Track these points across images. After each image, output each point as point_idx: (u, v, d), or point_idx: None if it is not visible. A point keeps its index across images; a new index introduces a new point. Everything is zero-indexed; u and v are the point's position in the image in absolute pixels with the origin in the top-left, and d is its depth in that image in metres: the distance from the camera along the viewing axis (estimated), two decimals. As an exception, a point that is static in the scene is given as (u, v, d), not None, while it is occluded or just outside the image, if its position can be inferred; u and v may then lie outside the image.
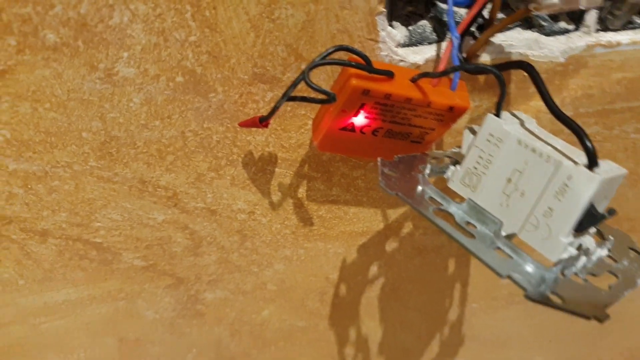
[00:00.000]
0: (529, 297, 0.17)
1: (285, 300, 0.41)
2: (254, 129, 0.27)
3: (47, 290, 0.36)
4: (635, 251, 0.23)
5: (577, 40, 0.27)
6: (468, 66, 0.22)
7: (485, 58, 0.26)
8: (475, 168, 0.22)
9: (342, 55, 0.23)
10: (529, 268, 0.19)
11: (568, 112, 0.30)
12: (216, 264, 0.36)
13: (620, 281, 0.20)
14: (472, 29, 0.26)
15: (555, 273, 0.19)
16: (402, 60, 0.26)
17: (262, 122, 0.23)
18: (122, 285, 0.36)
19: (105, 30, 0.22)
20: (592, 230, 0.21)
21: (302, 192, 0.32)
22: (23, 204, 0.29)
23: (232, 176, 0.30)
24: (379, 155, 0.26)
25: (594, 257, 0.21)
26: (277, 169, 0.30)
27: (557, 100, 0.29)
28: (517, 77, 0.28)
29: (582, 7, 0.19)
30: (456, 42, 0.23)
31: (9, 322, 0.38)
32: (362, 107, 0.23)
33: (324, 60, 0.21)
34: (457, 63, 0.23)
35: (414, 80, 0.23)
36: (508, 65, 0.23)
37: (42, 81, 0.23)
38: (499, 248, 0.20)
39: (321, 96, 0.21)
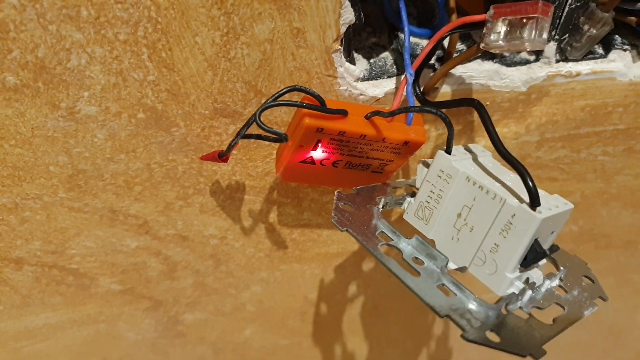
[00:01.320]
0: (465, 338, 0.17)
1: (265, 320, 0.41)
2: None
3: (26, 315, 0.36)
4: (589, 279, 0.23)
5: (538, 71, 0.27)
6: (414, 108, 0.22)
7: (445, 89, 0.27)
8: (428, 202, 0.23)
9: (298, 95, 0.23)
10: (472, 306, 0.19)
11: (534, 137, 0.30)
12: (193, 287, 0.36)
13: (566, 313, 0.21)
14: (432, 61, 0.26)
15: (498, 310, 0.19)
16: (361, 94, 0.26)
17: (221, 157, 0.24)
18: (102, 309, 0.37)
19: (64, 72, 0.22)
20: (542, 262, 0.21)
21: (273, 217, 0.32)
22: (-4, 234, 0.30)
23: (201, 204, 0.30)
24: (341, 184, 0.27)
25: (542, 290, 0.21)
26: (245, 196, 0.30)
27: (522, 127, 0.30)
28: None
29: (527, 50, 0.19)
30: (410, 78, 0.23)
31: (-9, 346, 0.39)
32: (318, 142, 0.23)
33: (276, 102, 0.21)
34: (411, 100, 0.23)
35: (367, 117, 0.23)
36: (457, 102, 0.24)
37: (5, 120, 0.24)
38: (443, 285, 0.20)
39: (274, 136, 0.21)
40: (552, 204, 0.20)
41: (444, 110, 0.22)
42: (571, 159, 0.32)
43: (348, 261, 0.38)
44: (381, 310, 0.44)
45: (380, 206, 0.23)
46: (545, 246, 0.20)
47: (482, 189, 0.21)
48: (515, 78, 0.27)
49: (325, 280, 0.39)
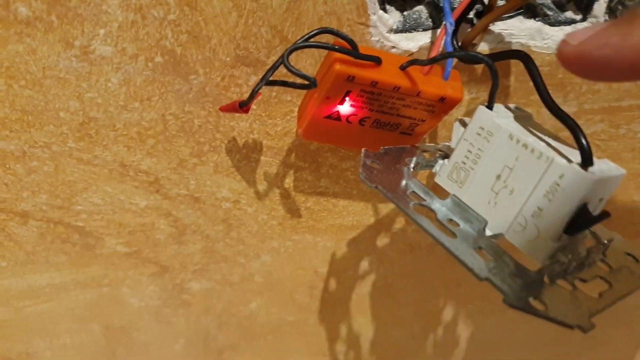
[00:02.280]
0: (508, 303, 0.16)
1: (273, 294, 0.40)
2: (237, 115, 0.26)
3: (30, 273, 0.35)
4: (634, 257, 0.22)
5: (582, 33, 0.26)
6: (458, 53, 0.21)
7: (483, 47, 0.25)
8: (464, 163, 0.21)
9: (328, 39, 0.22)
10: (512, 271, 0.18)
11: (572, 108, 0.29)
12: (201, 253, 0.35)
13: (612, 289, 0.19)
14: (471, 15, 0.25)
15: (540, 277, 0.18)
16: (394, 47, 0.24)
17: (242, 107, 0.22)
18: (106, 271, 0.36)
19: (80, 4, 0.21)
20: (586, 233, 0.20)
21: (288, 182, 0.30)
22: (2, 184, 0.28)
23: (216, 163, 0.29)
24: (366, 145, 0.25)
25: (585, 262, 0.20)
26: (262, 157, 0.29)
27: (560, 95, 0.28)
28: (518, 69, 0.27)
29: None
30: (450, 28, 0.22)
31: (-8, 304, 0.38)
32: (347, 94, 0.22)
33: (306, 43, 0.20)
34: (450, 50, 0.22)
35: (402, 68, 0.22)
36: (503, 55, 0.22)
37: (16, 57, 0.23)
38: (481, 248, 0.19)
39: (302, 81, 0.20)
40: (603, 167, 0.19)
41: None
42: (608, 134, 0.30)
43: (363, 235, 0.37)
44: (392, 290, 0.43)
45: (411, 166, 0.22)
46: (594, 212, 0.19)
47: (526, 148, 0.19)
48: (558, 39, 0.25)
49: (337, 254, 0.37)
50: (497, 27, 0.25)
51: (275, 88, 0.25)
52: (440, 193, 0.22)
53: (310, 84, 0.20)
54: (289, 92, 0.25)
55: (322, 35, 0.21)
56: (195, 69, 0.24)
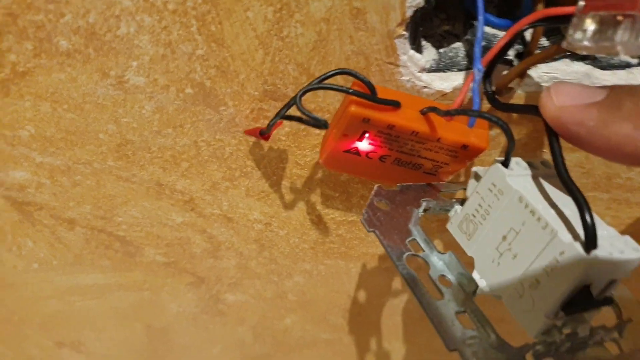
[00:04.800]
0: (448, 346, 0.15)
1: (306, 312, 0.40)
2: (266, 144, 0.26)
3: (78, 273, 0.37)
4: None
5: (640, 76, 0.23)
6: (472, 112, 0.20)
7: (520, 92, 0.23)
8: (474, 216, 0.20)
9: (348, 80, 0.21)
10: (492, 343, 0.16)
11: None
12: (235, 268, 0.36)
13: None
14: (510, 56, 0.23)
15: (521, 355, 0.16)
16: (426, 87, 0.23)
17: (262, 134, 0.22)
18: (146, 277, 0.37)
19: (114, 39, 0.22)
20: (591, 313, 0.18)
21: (319, 209, 0.30)
22: (51, 193, 0.30)
23: (247, 187, 0.29)
24: (389, 179, 0.24)
25: (588, 342, 0.18)
26: (292, 185, 0.29)
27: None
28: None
29: (620, 55, 0.16)
30: (478, 75, 0.20)
31: (47, 297, 0.41)
32: (365, 133, 0.21)
33: (321, 85, 0.20)
34: (476, 98, 0.20)
35: (423, 113, 0.21)
36: (519, 109, 0.20)
37: (59, 84, 0.24)
38: (465, 313, 0.17)
39: (312, 121, 0.19)
40: (617, 247, 0.17)
41: (512, 114, 0.19)
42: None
43: (398, 264, 0.36)
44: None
45: (421, 210, 0.21)
46: (599, 294, 0.17)
47: (533, 215, 0.18)
48: (609, 83, 0.23)
49: (371, 281, 0.37)
50: (540, 69, 0.23)
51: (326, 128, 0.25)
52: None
53: (319, 125, 0.19)
54: (318, 125, 0.25)
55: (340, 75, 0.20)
56: (224, 101, 0.24)
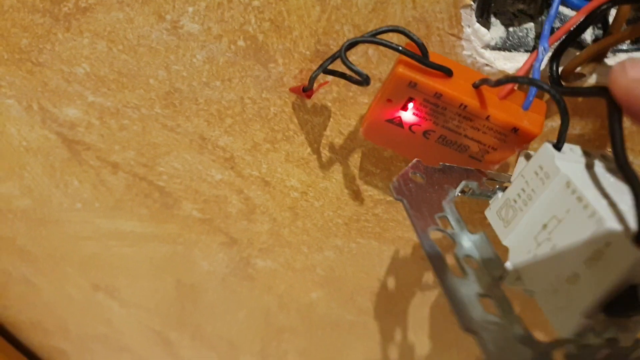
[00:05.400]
0: (463, 328, 0.14)
1: (334, 289, 0.40)
2: (311, 108, 0.26)
3: (117, 218, 0.38)
4: None
5: None
6: (521, 79, 0.18)
7: (592, 80, 0.22)
8: (515, 201, 0.18)
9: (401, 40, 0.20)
10: (516, 335, 0.15)
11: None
12: (268, 234, 0.36)
13: None
14: (589, 40, 0.21)
15: (547, 352, 0.15)
16: (487, 65, 0.22)
17: (305, 91, 0.22)
18: (181, 231, 0.38)
19: (173, -19, 0.22)
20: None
21: (358, 184, 0.29)
22: (99, 134, 0.31)
23: (287, 152, 0.28)
24: (430, 160, 0.23)
25: (630, 355, 0.16)
26: (333, 155, 0.28)
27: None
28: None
29: None
30: (542, 54, 0.19)
31: (87, 237, 0.42)
32: (410, 100, 0.20)
33: (371, 39, 0.19)
34: (537, 77, 0.19)
35: (475, 86, 0.19)
36: (585, 91, 0.19)
37: (117, 23, 0.24)
38: (489, 297, 0.16)
39: (355, 76, 0.18)
40: None
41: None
42: None
43: (432, 254, 0.34)
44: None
45: (459, 189, 0.20)
46: None
47: (580, 201, 0.16)
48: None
49: (403, 268, 0.36)
50: (619, 58, 0.21)
51: (353, 88, 0.24)
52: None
53: (362, 80, 0.18)
54: (366, 94, 0.24)
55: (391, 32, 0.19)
56: (275, 58, 0.24)
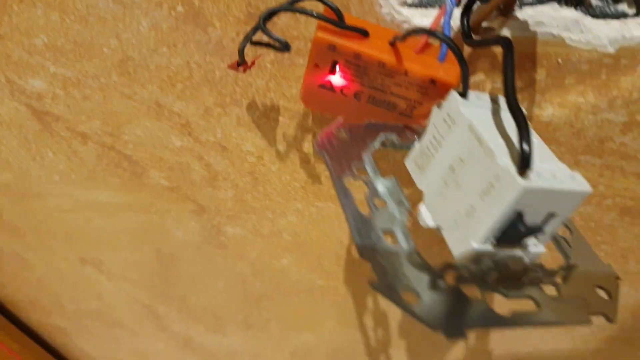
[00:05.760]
0: (372, 286, 0.15)
1: (301, 254, 0.41)
2: (252, 71, 0.27)
3: (93, 188, 0.40)
4: (606, 291, 0.19)
5: (635, 29, 0.22)
6: (421, 30, 0.19)
7: (504, 34, 0.23)
8: (428, 148, 0.20)
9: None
10: (406, 259, 0.17)
11: (620, 116, 0.25)
12: (233, 200, 0.37)
13: (534, 312, 0.17)
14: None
15: (438, 274, 0.16)
16: (406, 22, 0.23)
17: (239, 65, 0.23)
18: (153, 200, 0.40)
19: (110, -51, 0.23)
20: (537, 249, 0.18)
21: (307, 147, 0.31)
22: (65, 105, 0.33)
23: (238, 116, 0.30)
24: (364, 120, 0.25)
25: (523, 279, 0.18)
26: (280, 118, 0.29)
27: (604, 100, 0.25)
28: (552, 63, 0.24)
29: None
30: (449, 7, 0.20)
31: (68, 210, 0.44)
32: (335, 64, 0.22)
33: (289, 7, 0.20)
34: (447, 32, 0.20)
35: (391, 44, 0.21)
36: (488, 41, 0.20)
37: (65, -7, 0.26)
38: (392, 231, 0.18)
39: (276, 43, 0.20)
40: (560, 177, 0.16)
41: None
42: (663, 153, 0.26)
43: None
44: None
45: (379, 142, 0.21)
46: (535, 226, 0.17)
47: (479, 142, 0.17)
48: (601, 34, 0.22)
49: (362, 229, 0.37)
50: (526, 13, 0.22)
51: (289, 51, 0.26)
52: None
53: (282, 46, 0.20)
54: (301, 55, 0.26)
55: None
56: (212, 22, 0.25)
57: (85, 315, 0.65)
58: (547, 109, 0.25)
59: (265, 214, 0.38)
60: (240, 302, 0.51)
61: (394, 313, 0.45)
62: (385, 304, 0.44)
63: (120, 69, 0.29)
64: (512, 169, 0.16)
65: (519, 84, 0.25)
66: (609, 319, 0.18)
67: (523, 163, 0.15)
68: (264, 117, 0.30)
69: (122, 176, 0.38)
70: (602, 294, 0.19)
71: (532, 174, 0.16)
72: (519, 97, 0.25)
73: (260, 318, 0.53)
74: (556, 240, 0.22)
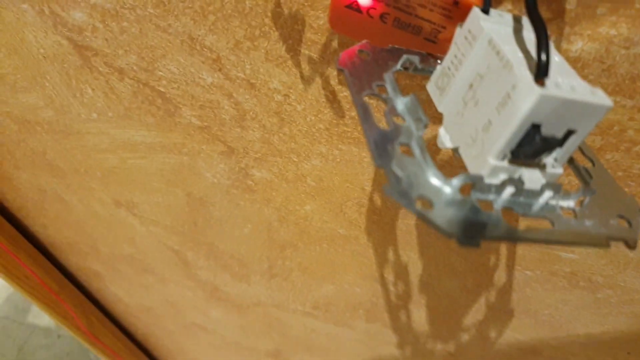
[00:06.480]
0: (386, 191, 0.16)
1: (324, 201, 0.42)
2: (282, 1, 0.28)
3: (128, 127, 0.42)
4: (626, 221, 0.19)
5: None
6: None
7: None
8: (449, 69, 0.20)
9: None
10: (424, 172, 0.17)
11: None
12: (260, 142, 0.38)
13: (550, 229, 0.17)
14: None
15: (455, 187, 0.17)
16: (433, -51, 0.23)
17: None
18: (184, 140, 0.41)
19: None
20: (556, 171, 0.18)
21: (334, 84, 0.31)
22: (103, 39, 0.34)
23: (266, 50, 0.31)
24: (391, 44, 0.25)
25: (537, 199, 0.18)
26: (307, 51, 0.30)
27: (639, 33, 0.24)
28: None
29: None
30: None
31: (105, 149, 0.46)
32: (361, -17, 0.22)
33: None
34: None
35: (414, -39, 0.21)
36: None
37: None
38: (408, 146, 0.18)
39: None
40: (579, 90, 0.16)
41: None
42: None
43: (412, 162, 0.36)
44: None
45: (400, 63, 0.22)
46: (552, 138, 0.17)
47: (498, 54, 0.18)
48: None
49: (384, 175, 0.38)
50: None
51: (316, -21, 0.26)
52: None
53: None
54: (328, -15, 0.26)
55: None
56: (243, -52, 0.26)
57: (119, 260, 0.68)
58: (576, 43, 0.25)
59: (291, 157, 0.39)
60: (265, 249, 0.53)
61: (414, 267, 0.46)
62: (406, 257, 0.45)
63: (155, 0, 0.30)
64: (529, 77, 0.16)
65: (547, 14, 0.24)
66: (629, 246, 0.18)
67: (540, 71, 0.16)
68: (291, 51, 0.30)
69: (155, 115, 0.39)
70: (621, 222, 0.19)
71: (550, 82, 0.16)
72: (548, 28, 0.24)
73: (284, 267, 0.54)
74: (576, 168, 0.21)
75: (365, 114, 0.19)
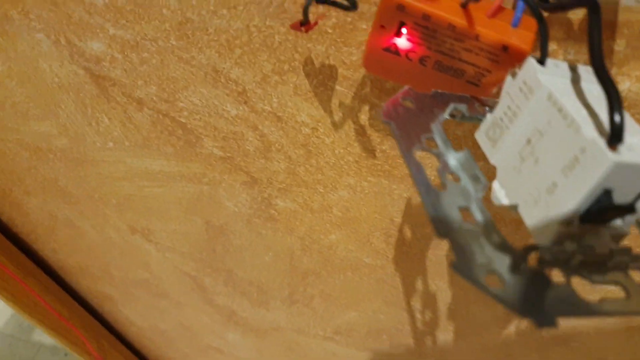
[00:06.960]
0: (454, 268, 0.14)
1: (350, 231, 0.40)
2: (313, 37, 0.26)
3: (146, 157, 0.41)
4: None
5: None
6: None
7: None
8: (502, 119, 0.18)
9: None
10: (488, 241, 0.15)
11: None
12: (285, 172, 0.37)
13: (625, 299, 0.15)
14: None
15: (522, 257, 0.15)
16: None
17: (302, 25, 0.22)
18: (205, 170, 0.40)
19: None
20: (626, 223, 0.16)
21: (364, 119, 0.30)
22: (122, 69, 0.33)
23: (295, 84, 0.29)
24: (430, 88, 0.23)
25: (607, 263, 0.16)
26: (337, 87, 0.28)
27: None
28: (633, 32, 0.22)
29: None
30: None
31: (121, 178, 0.45)
32: (402, 25, 0.20)
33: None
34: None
35: (463, 5, 0.19)
36: (569, 3, 0.18)
37: (127, -49, 0.25)
38: (469, 209, 0.16)
39: (342, 1, 0.19)
40: None
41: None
42: None
43: (445, 194, 0.34)
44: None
45: (448, 112, 0.20)
46: (625, 205, 0.15)
47: (560, 112, 0.16)
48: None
49: (414, 207, 0.36)
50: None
51: (351, 14, 0.24)
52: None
53: (350, 4, 0.19)
54: (364, 20, 0.24)
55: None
56: (274, -19, 0.24)
57: (133, 285, 0.67)
58: (624, 83, 0.23)
59: (317, 188, 0.37)
60: (287, 277, 0.51)
61: (443, 295, 0.44)
62: (435, 285, 0.43)
63: (179, 32, 0.29)
64: (601, 141, 0.14)
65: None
66: None
67: (614, 135, 0.14)
68: (322, 86, 0.29)
69: (175, 145, 0.38)
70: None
71: (623, 147, 0.14)
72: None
73: (305, 294, 0.52)
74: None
75: (418, 174, 0.18)
